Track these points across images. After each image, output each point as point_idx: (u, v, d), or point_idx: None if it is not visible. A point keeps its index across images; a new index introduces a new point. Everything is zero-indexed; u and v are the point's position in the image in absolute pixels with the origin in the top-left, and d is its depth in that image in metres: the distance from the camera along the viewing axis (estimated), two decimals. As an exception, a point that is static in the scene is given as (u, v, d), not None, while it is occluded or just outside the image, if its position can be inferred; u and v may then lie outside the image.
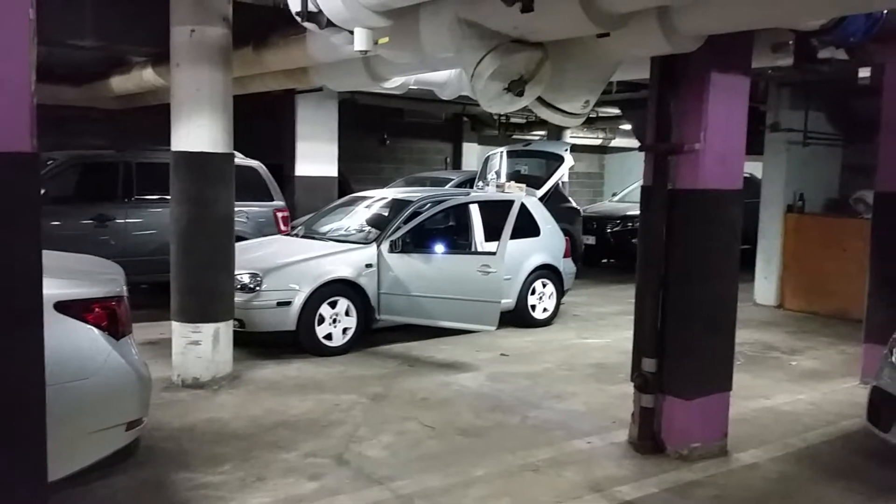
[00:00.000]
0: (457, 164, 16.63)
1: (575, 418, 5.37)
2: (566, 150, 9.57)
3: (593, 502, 3.99)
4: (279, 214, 9.42)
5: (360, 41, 3.82)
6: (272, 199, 9.50)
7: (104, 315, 3.37)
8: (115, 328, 3.40)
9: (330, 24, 3.90)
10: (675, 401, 4.67)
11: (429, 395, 5.74)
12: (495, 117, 14.95)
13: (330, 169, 11.53)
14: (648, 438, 4.71)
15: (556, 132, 14.46)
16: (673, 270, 4.62)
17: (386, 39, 3.93)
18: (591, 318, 8.98)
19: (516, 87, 4.08)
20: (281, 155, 11.31)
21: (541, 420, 5.30)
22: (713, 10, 3.65)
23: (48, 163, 8.00)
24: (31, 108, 2.49)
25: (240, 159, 9.35)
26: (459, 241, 7.78)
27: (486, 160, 9.82)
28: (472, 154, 16.72)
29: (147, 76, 8.15)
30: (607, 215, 12.83)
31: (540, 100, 4.35)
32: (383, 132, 15.37)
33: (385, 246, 6.92)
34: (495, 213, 7.87)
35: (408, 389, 5.88)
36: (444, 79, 6.77)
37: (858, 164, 10.13)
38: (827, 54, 4.58)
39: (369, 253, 6.94)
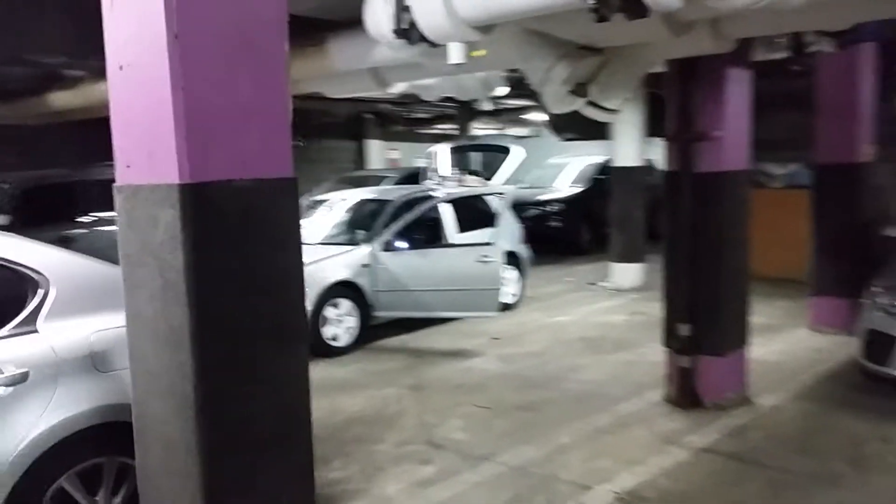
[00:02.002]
0: (360, 161, 16.80)
1: (602, 387, 5.90)
2: (513, 142, 10.11)
3: (679, 451, 4.53)
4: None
5: (457, 55, 4.11)
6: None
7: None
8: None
9: (422, 39, 4.17)
10: (709, 359, 5.30)
11: (462, 381, 6.10)
12: (403, 114, 15.25)
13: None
14: (688, 394, 5.33)
15: (464, 126, 14.97)
16: (702, 245, 5.24)
17: (483, 52, 4.26)
18: (544, 299, 9.56)
19: (581, 90, 4.52)
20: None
21: (576, 391, 5.80)
22: (760, 17, 4.24)
23: (4, 186, 7.63)
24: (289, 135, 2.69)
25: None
26: (437, 234, 8.12)
27: (433, 156, 10.17)
28: (375, 151, 16.93)
29: (102, 89, 7.84)
30: (521, 201, 13.49)
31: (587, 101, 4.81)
32: (296, 134, 15.29)
33: (378, 245, 7.18)
34: (465, 206, 8.31)
35: (438, 378, 6.21)
36: (436, 82, 7.08)
37: (760, 140, 11.28)
38: (815, 48, 5.33)
39: (364, 253, 7.17)
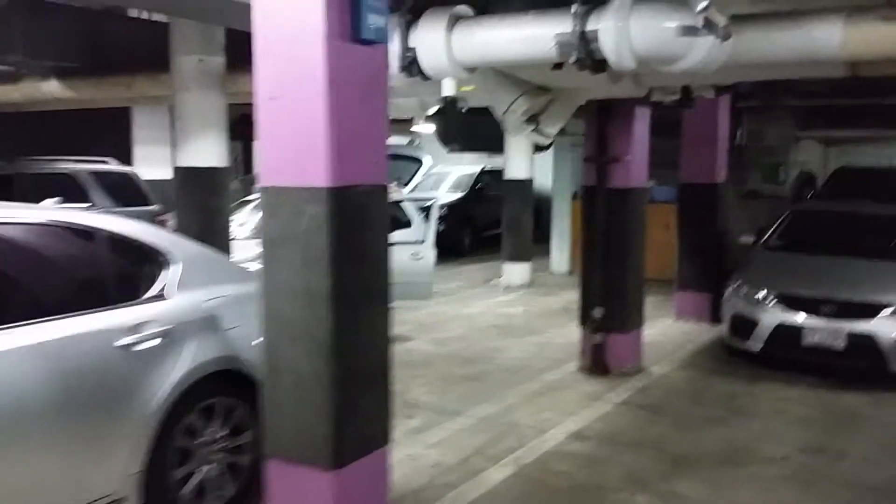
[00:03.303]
0: (248, 162, 17.25)
1: (526, 361, 7.12)
2: (424, 153, 11.15)
3: (603, 405, 5.80)
4: (160, 219, 9.83)
5: (448, 88, 5.13)
6: (149, 204, 9.86)
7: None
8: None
9: (420, 73, 5.14)
10: (616, 336, 6.64)
11: (408, 360, 7.08)
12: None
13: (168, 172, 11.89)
14: (600, 364, 6.63)
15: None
16: (612, 245, 6.57)
17: (472, 87, 5.29)
18: (448, 294, 10.71)
19: (534, 120, 5.70)
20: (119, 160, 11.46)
21: (506, 365, 6.97)
22: (679, 73, 5.59)
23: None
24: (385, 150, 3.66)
25: (114, 166, 9.67)
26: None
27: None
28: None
29: (49, 88, 8.15)
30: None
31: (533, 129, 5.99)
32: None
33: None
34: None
35: (384, 357, 7.18)
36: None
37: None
38: (698, 94, 6.78)
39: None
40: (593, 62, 4.47)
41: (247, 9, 3.51)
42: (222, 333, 3.81)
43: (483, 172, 15.05)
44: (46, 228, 3.47)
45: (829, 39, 4.67)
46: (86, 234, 3.55)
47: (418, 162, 11.00)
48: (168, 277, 3.70)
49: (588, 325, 6.68)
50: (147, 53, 7.17)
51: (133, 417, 3.37)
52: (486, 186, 14.91)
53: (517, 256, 11.27)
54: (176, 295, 3.69)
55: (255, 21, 3.43)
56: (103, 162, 9.41)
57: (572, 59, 4.46)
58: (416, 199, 9.79)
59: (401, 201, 9.23)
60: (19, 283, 3.37)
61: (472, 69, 5.05)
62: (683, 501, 4.19)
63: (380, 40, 3.48)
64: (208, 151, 6.33)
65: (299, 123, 3.35)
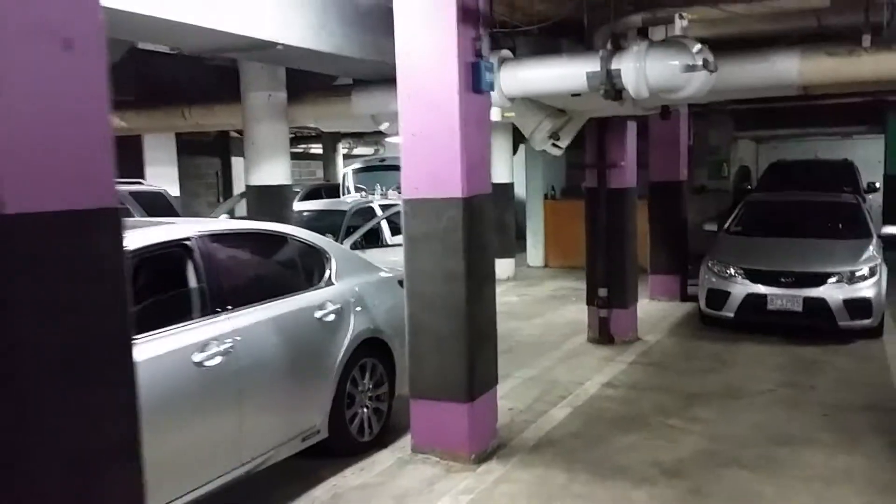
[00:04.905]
0: (227, 177, 18.19)
1: (542, 337, 8.48)
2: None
3: (618, 364, 7.19)
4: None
5: (496, 115, 6.41)
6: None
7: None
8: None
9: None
10: (618, 311, 8.05)
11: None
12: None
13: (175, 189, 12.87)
14: (606, 335, 8.04)
15: (329, 147, 17.03)
16: (613, 236, 7.98)
17: (513, 114, 6.58)
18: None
19: (555, 137, 7.07)
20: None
21: (527, 341, 8.31)
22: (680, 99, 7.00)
23: None
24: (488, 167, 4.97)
25: (146, 186, 10.66)
26: (378, 238, 10.26)
27: (346, 175, 12.21)
28: (239, 168, 18.37)
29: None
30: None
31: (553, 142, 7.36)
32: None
33: (347, 245, 9.23)
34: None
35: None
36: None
37: (577, 163, 14.53)
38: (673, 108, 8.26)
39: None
40: (615, 92, 5.86)
41: (302, 52, 4.81)
42: (368, 310, 5.05)
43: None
44: (257, 235, 4.65)
45: (789, 70, 6.19)
46: (280, 238, 4.75)
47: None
48: (331, 269, 4.92)
49: (595, 303, 8.08)
50: (199, 87, 8.23)
51: (326, 371, 4.60)
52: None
53: (502, 253, 12.61)
54: (338, 282, 4.92)
55: (400, 76, 4.68)
56: (138, 182, 10.37)
57: (600, 91, 5.83)
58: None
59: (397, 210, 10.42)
60: (255, 275, 4.56)
61: (512, 99, 6.39)
62: (703, 421, 5.60)
63: (489, 90, 4.79)
64: (276, 172, 7.48)
65: (438, 152, 4.62)
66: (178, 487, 3.50)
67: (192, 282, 3.91)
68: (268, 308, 4.28)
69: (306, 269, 4.87)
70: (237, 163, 18.43)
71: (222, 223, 4.59)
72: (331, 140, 17.26)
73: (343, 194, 12.23)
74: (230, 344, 3.86)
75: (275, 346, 4.22)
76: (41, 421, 2.21)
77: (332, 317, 4.69)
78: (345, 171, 12.55)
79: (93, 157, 2.31)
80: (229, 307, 4.04)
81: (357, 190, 11.80)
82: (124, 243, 2.42)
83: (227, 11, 4.88)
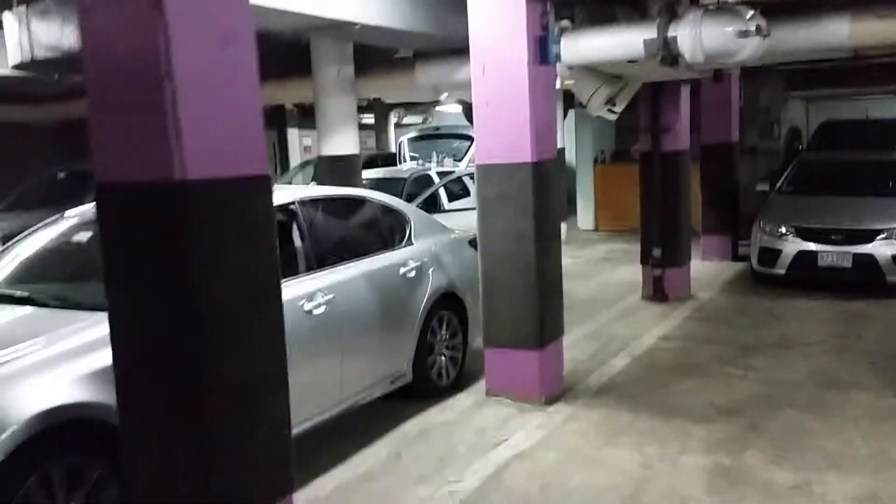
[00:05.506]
0: (283, 149, 18.78)
1: (597, 296, 8.87)
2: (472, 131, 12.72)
3: (673, 320, 7.58)
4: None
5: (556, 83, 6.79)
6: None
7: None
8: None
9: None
10: (672, 269, 8.41)
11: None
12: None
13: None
14: (660, 293, 8.41)
15: (381, 117, 17.49)
16: (668, 198, 8.31)
17: (571, 81, 6.94)
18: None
19: (610, 102, 7.40)
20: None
21: (583, 299, 8.71)
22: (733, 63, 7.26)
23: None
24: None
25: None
26: (435, 203, 10.70)
27: (401, 144, 12.66)
28: (293, 139, 18.96)
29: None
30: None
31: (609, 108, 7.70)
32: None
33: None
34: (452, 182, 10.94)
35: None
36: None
37: (627, 127, 14.76)
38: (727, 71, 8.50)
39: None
40: (672, 58, 6.17)
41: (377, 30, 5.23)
42: (443, 267, 5.53)
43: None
44: (347, 200, 5.15)
45: (839, 33, 6.44)
46: (367, 202, 5.24)
47: (470, 139, 12.58)
48: (410, 230, 5.40)
49: (650, 263, 8.45)
50: (271, 63, 8.64)
51: (410, 321, 5.09)
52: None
53: (555, 216, 12.99)
54: (416, 242, 5.40)
55: (473, 50, 5.09)
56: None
57: (657, 57, 6.15)
58: (468, 172, 11.39)
59: (456, 176, 10.85)
60: (346, 236, 5.07)
61: (571, 68, 6.74)
62: (756, 369, 5.97)
63: (554, 62, 5.17)
64: (346, 143, 7.96)
65: (509, 119, 5.03)
66: (296, 418, 4.03)
67: (297, 241, 4.41)
68: (360, 265, 4.78)
69: (390, 230, 5.35)
70: (292, 135, 19.02)
71: (317, 189, 5.09)
72: (382, 110, 17.69)
73: (399, 163, 12.67)
74: (332, 295, 4.36)
75: (367, 299, 4.72)
76: (217, 350, 2.73)
77: (413, 273, 5.18)
78: (400, 140, 12.97)
79: (249, 133, 2.79)
80: (328, 264, 4.54)
81: (412, 158, 12.23)
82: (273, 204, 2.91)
83: (312, -5, 5.33)
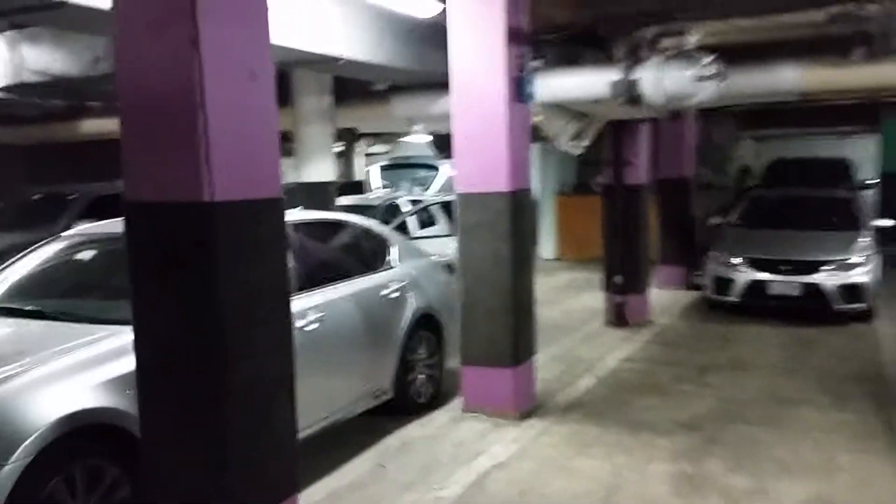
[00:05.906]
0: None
1: (563, 321, 9.23)
2: (440, 161, 13.11)
3: (635, 343, 7.97)
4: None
5: (526, 118, 7.20)
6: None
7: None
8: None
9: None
10: (632, 296, 8.82)
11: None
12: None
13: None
14: (622, 319, 8.81)
15: (350, 145, 17.80)
16: (629, 228, 8.75)
17: (541, 117, 7.35)
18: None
19: (577, 138, 7.84)
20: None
21: (550, 323, 8.97)
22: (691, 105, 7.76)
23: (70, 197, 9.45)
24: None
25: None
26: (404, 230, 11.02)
27: (369, 172, 12.97)
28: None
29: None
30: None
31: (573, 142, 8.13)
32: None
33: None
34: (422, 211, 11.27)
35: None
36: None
37: (588, 160, 15.29)
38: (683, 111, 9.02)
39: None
40: (634, 99, 6.63)
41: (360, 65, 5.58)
42: (423, 290, 5.83)
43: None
44: (334, 224, 5.43)
45: (789, 78, 6.97)
46: (352, 226, 5.53)
47: (436, 169, 12.98)
48: (393, 253, 5.70)
49: (611, 290, 8.85)
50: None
51: (392, 340, 5.37)
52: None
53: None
54: (398, 265, 5.69)
55: (454, 88, 5.45)
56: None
57: (620, 98, 6.60)
58: (437, 201, 11.75)
59: (427, 205, 11.17)
60: (333, 258, 5.34)
61: (542, 104, 7.16)
62: (713, 387, 6.36)
63: (530, 100, 5.56)
64: (323, 170, 8.25)
65: (488, 152, 5.38)
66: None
67: (290, 262, 4.66)
68: (346, 286, 5.06)
69: (373, 254, 5.64)
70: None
71: (307, 213, 5.35)
72: (350, 139, 18.01)
73: (365, 191, 12.97)
74: (323, 314, 4.63)
75: (354, 318, 4.99)
76: (236, 357, 2.99)
77: (395, 294, 5.47)
78: (369, 168, 13.30)
79: (268, 159, 3.09)
80: (317, 284, 4.81)
81: (385, 187, 12.55)
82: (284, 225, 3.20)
83: (301, 31, 5.65)
